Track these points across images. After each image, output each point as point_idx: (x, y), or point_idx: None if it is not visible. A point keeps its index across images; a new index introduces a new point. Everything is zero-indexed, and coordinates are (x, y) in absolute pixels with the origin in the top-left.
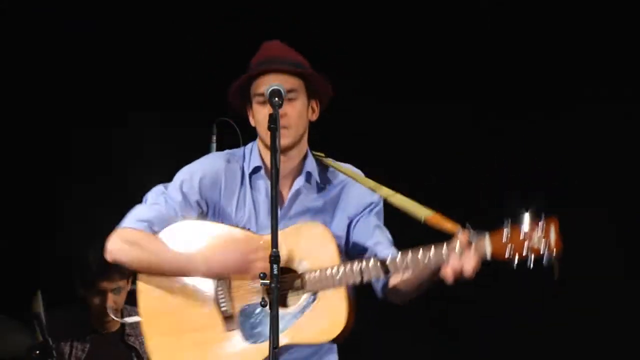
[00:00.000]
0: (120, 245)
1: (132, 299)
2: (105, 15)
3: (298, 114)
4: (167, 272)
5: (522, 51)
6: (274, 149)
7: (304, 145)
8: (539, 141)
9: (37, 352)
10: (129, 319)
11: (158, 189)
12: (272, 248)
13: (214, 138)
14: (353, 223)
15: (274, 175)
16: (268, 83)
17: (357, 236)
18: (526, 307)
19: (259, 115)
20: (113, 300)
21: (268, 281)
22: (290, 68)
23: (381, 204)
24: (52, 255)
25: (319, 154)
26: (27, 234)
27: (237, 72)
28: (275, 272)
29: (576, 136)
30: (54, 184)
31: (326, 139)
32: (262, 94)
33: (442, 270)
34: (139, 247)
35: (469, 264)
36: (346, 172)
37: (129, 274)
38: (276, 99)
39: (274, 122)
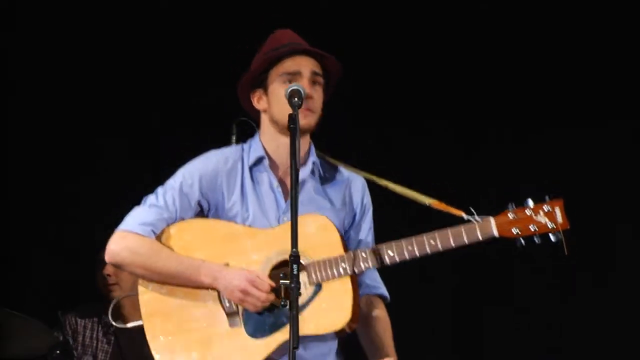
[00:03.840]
0: (121, 249)
1: None
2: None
3: (320, 100)
4: (177, 283)
5: (523, 49)
6: (293, 149)
7: (308, 136)
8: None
9: (58, 351)
10: (132, 324)
11: (157, 190)
12: (292, 248)
13: (234, 138)
14: (355, 219)
15: (294, 177)
16: (299, 63)
17: (355, 233)
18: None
19: (284, 95)
20: (112, 271)
21: (288, 281)
22: (323, 53)
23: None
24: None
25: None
26: (48, 236)
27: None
28: (295, 272)
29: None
30: (79, 191)
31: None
32: (294, 72)
33: None
34: (145, 255)
35: None
36: (348, 168)
37: None
38: (296, 99)
39: (293, 122)
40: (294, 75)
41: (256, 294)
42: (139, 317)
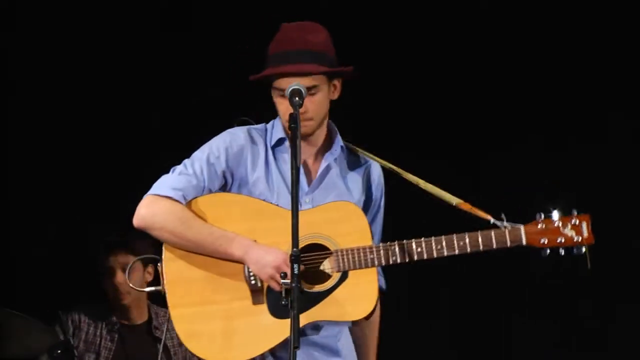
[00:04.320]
0: (152, 213)
1: (157, 300)
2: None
3: (318, 104)
4: (204, 253)
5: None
6: (294, 148)
7: (325, 123)
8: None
9: (59, 351)
10: (149, 289)
11: (184, 162)
12: (293, 247)
13: None
14: (371, 204)
15: (295, 175)
16: (288, 81)
17: (369, 217)
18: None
19: (280, 107)
20: (123, 279)
21: (289, 281)
22: (312, 69)
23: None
24: (75, 254)
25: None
26: (49, 235)
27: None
28: (296, 272)
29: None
30: (80, 191)
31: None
32: (283, 90)
33: None
34: (177, 221)
35: None
36: (373, 157)
37: (138, 252)
38: (296, 98)
39: (294, 122)
40: (283, 91)
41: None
42: (145, 317)
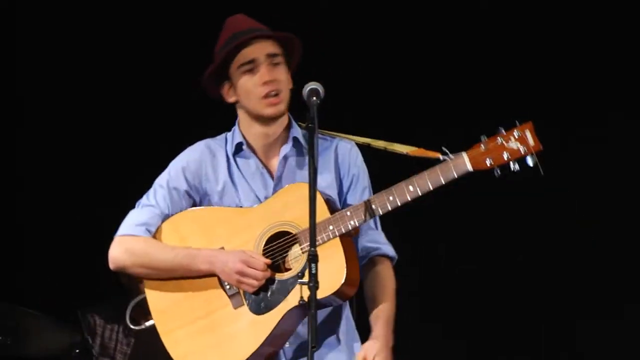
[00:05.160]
0: (120, 253)
1: None
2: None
3: (286, 78)
4: (177, 275)
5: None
6: (311, 147)
7: (286, 112)
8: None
9: (77, 350)
10: (148, 323)
11: (147, 192)
12: (310, 247)
13: None
14: (347, 182)
15: (312, 174)
16: (253, 50)
17: (352, 195)
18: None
19: (248, 84)
20: None
21: (306, 280)
22: (276, 34)
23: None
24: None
25: (300, 123)
26: (69, 234)
27: None
28: (314, 271)
29: None
30: (96, 190)
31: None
32: (249, 61)
33: None
34: (142, 254)
35: None
36: (330, 134)
37: None
38: (314, 98)
39: (312, 122)
40: (251, 64)
41: (252, 273)
42: None
